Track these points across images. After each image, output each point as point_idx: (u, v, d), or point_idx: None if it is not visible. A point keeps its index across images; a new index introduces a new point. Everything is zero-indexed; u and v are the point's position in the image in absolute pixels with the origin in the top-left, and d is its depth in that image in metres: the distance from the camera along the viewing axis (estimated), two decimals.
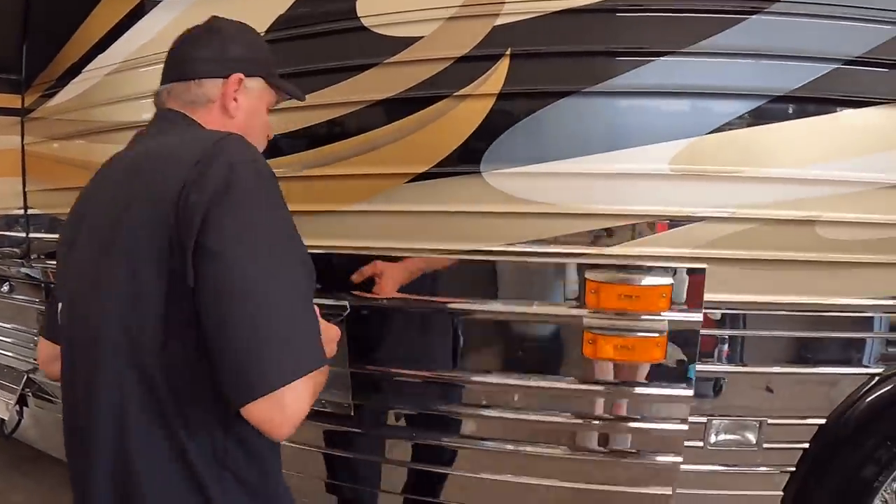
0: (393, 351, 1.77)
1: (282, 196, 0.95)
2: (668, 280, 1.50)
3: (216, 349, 0.84)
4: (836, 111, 1.47)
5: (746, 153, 1.47)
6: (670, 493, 1.62)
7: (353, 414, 1.78)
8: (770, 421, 1.59)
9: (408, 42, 1.59)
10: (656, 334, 1.52)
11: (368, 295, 1.70)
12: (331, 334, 1.06)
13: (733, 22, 1.46)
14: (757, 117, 1.47)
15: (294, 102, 1.32)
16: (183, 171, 0.89)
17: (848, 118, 1.47)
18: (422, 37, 1.58)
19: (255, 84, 1.16)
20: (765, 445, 1.61)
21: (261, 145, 1.16)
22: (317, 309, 1.01)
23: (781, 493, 1.65)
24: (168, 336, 0.88)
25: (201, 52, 1.12)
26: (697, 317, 1.52)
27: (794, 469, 1.64)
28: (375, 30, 1.62)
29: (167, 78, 1.13)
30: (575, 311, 1.57)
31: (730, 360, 1.57)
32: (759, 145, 1.47)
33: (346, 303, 1.70)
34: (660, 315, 1.52)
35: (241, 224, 0.87)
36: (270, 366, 0.83)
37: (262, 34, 1.75)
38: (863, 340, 1.58)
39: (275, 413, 0.83)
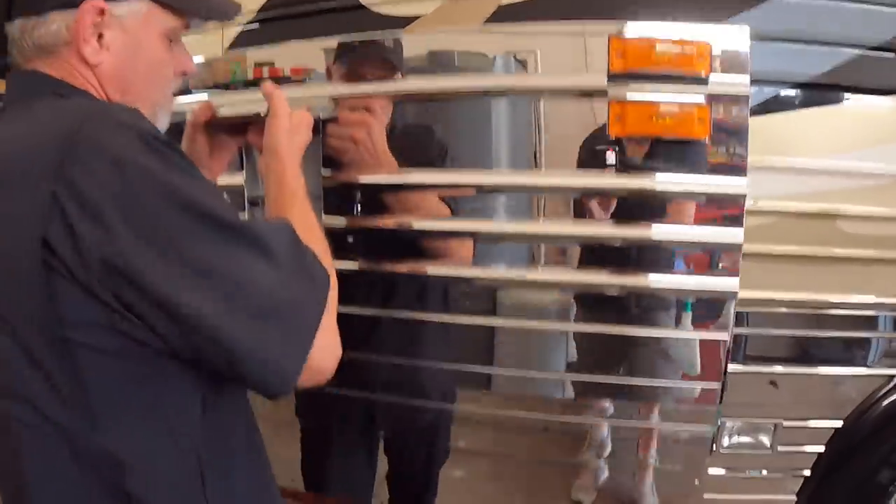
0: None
1: (180, 152, 0.75)
2: (705, 38, 1.27)
3: (215, 361, 0.71)
4: (859, 99, 1.40)
5: (766, 141, 1.39)
6: (726, 337, 1.38)
7: None
8: (785, 424, 1.53)
9: (407, 21, 1.49)
10: (697, 101, 1.27)
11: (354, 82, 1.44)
12: (303, 123, 0.96)
13: (751, 4, 1.39)
14: (777, 105, 1.41)
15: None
16: (42, 197, 0.65)
17: (872, 106, 1.40)
18: (421, 15, 1.48)
19: (133, 8, 0.80)
20: (779, 448, 1.54)
21: (161, 94, 0.86)
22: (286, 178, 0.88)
23: (795, 497, 1.59)
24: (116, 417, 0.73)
25: None
26: (744, 81, 1.28)
27: (808, 473, 1.57)
28: (373, 8, 1.52)
29: (12, 13, 0.81)
30: (597, 80, 1.29)
31: (745, 360, 1.49)
32: (780, 134, 1.41)
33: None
34: (702, 76, 1.27)
35: (175, 236, 0.67)
36: (284, 351, 0.71)
37: (254, 13, 1.67)
38: (883, 341, 1.52)
39: (313, 378, 0.74)
